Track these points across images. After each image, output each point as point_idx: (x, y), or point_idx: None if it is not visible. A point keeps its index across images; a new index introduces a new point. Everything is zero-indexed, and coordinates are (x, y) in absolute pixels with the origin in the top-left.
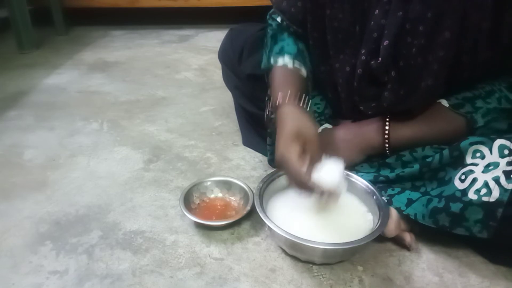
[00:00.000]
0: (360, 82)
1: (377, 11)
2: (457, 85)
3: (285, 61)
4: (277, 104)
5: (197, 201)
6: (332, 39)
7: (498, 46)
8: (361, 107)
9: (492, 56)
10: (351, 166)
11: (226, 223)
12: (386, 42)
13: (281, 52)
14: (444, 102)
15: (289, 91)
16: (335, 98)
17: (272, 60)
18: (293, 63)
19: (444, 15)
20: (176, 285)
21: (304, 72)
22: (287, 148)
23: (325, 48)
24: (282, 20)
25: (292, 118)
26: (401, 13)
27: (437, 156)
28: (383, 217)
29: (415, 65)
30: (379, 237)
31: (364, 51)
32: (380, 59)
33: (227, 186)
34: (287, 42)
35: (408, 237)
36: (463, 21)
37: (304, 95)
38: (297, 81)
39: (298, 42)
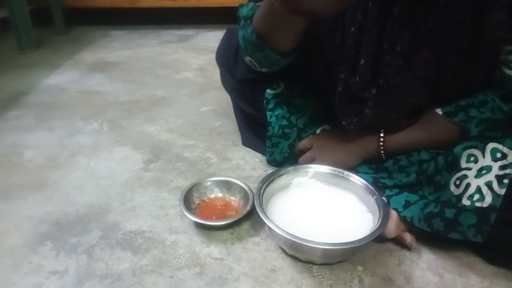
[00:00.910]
0: (341, 99)
1: (352, 28)
2: (443, 99)
3: None
4: None
5: (197, 201)
6: (317, 45)
7: (480, 62)
8: (343, 122)
9: (475, 71)
10: (348, 170)
11: (226, 223)
12: (362, 61)
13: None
14: (438, 110)
15: None
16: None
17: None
18: None
19: (421, 35)
20: (176, 285)
21: None
22: None
23: (312, 54)
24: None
25: None
26: (376, 30)
27: (432, 163)
28: (383, 217)
29: (394, 84)
30: (379, 237)
31: (342, 69)
32: (357, 78)
33: (227, 186)
34: None
35: (408, 237)
36: (443, 40)
37: None
38: None
39: None
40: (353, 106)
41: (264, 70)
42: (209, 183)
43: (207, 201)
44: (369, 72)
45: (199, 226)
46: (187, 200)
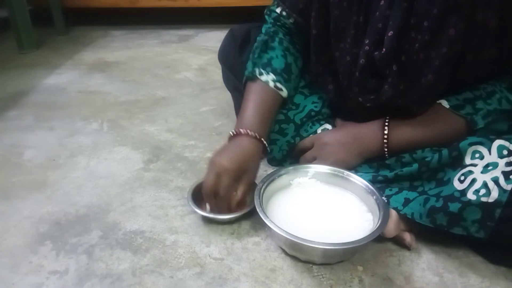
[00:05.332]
0: (362, 73)
1: (382, 1)
2: (460, 84)
3: (268, 78)
4: (237, 133)
5: None
6: (334, 27)
7: (504, 45)
8: (359, 99)
9: (497, 55)
10: (348, 169)
11: (233, 217)
12: (390, 33)
13: (267, 66)
14: (445, 103)
15: (252, 133)
16: (336, 90)
17: (257, 72)
18: (275, 83)
19: (450, 11)
20: (176, 285)
21: (285, 92)
22: (224, 174)
23: (328, 37)
24: (281, 11)
25: (241, 148)
26: (406, 4)
27: (436, 156)
28: (383, 217)
29: (417, 61)
30: (379, 237)
31: (368, 41)
32: (384, 49)
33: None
34: (277, 53)
35: (408, 237)
36: (469, 18)
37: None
38: (271, 105)
39: (287, 55)
40: (372, 82)
41: None
42: None
43: None
44: (395, 45)
45: (199, 226)
46: (194, 197)
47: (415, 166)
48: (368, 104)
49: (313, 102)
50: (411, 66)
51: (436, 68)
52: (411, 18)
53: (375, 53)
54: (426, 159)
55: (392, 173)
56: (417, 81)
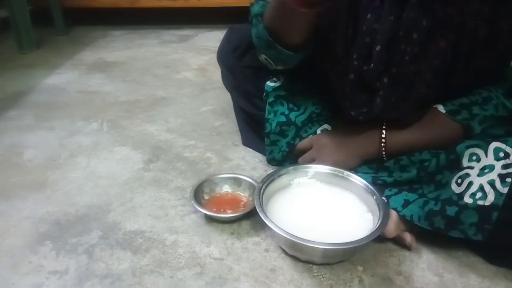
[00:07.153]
0: (352, 87)
1: (369, 15)
2: (451, 91)
3: None
4: None
5: (207, 197)
6: (324, 40)
7: (494, 53)
8: (352, 112)
9: (487, 63)
10: (347, 170)
11: (233, 216)
12: (378, 48)
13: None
14: (441, 108)
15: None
16: (334, 96)
17: None
18: None
19: (439, 23)
20: (176, 285)
21: None
22: None
23: (318, 47)
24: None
25: None
26: (393, 17)
27: (434, 160)
28: (383, 217)
29: (408, 73)
30: (379, 237)
31: (356, 56)
32: (372, 64)
33: (237, 182)
34: None
35: (408, 237)
36: (459, 29)
37: None
38: None
39: None
40: (363, 95)
41: (279, 67)
42: (218, 179)
43: (218, 196)
44: (383, 59)
45: (199, 226)
46: (197, 196)
47: (414, 172)
48: (360, 118)
49: (313, 104)
50: (403, 79)
51: (428, 81)
52: (400, 30)
53: (364, 67)
54: (424, 164)
55: (391, 179)
56: (409, 93)
